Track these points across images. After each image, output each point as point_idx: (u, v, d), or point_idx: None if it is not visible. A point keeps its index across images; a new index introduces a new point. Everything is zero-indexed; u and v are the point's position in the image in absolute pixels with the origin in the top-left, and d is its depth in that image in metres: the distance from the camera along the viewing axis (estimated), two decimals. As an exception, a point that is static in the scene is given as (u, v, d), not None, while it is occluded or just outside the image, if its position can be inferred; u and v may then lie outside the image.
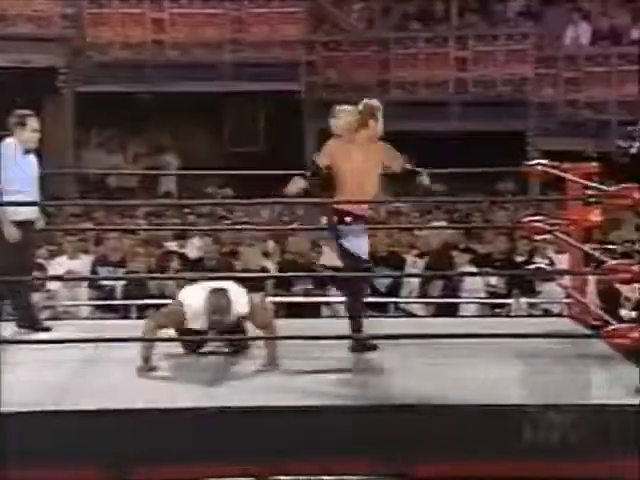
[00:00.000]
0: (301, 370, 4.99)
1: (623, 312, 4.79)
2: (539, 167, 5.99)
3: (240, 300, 5.13)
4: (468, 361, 5.13)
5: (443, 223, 9.16)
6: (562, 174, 5.85)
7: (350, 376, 5.02)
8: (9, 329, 5.66)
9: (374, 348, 5.23)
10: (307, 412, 4.42)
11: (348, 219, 5.26)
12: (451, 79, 13.53)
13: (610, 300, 5.16)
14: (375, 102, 5.42)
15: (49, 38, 13.03)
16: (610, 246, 6.64)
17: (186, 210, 10.27)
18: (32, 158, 5.82)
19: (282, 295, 7.77)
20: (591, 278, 6.25)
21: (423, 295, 7.98)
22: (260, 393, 4.69)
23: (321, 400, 4.55)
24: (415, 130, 13.01)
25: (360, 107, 5.39)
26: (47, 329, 5.83)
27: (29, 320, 5.80)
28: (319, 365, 5.04)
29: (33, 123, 5.77)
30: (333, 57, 13.69)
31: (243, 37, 13.48)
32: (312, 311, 7.63)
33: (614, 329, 4.74)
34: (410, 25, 14.06)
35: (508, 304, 7.84)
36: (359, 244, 5.30)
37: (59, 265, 8.18)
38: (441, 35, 13.64)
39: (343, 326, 5.37)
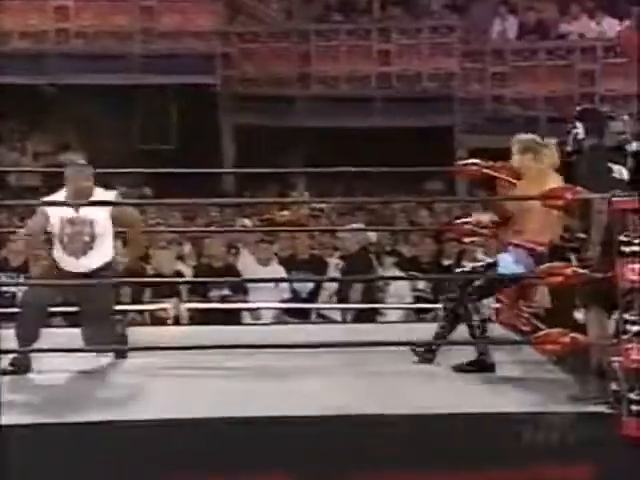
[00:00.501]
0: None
1: (579, 315, 4.89)
2: (473, 167, 6.04)
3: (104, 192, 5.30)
4: (387, 369, 5.18)
5: (361, 225, 9.22)
6: (493, 173, 5.94)
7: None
8: None
9: None
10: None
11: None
12: (374, 73, 13.63)
13: (566, 300, 5.25)
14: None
15: (-59, 26, 12.75)
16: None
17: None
18: None
19: (198, 301, 7.74)
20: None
21: (342, 300, 8.03)
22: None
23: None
24: (336, 127, 13.10)
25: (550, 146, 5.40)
26: None
27: None
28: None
29: None
30: (250, 49, 13.68)
31: (154, 27, 13.38)
32: (232, 318, 7.61)
33: (545, 335, 4.84)
34: (331, 16, 14.14)
35: (435, 309, 7.93)
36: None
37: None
38: (363, 27, 13.74)
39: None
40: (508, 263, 5.24)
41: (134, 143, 14.01)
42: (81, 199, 5.27)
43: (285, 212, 9.67)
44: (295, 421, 4.39)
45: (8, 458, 4.22)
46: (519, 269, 5.22)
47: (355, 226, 8.69)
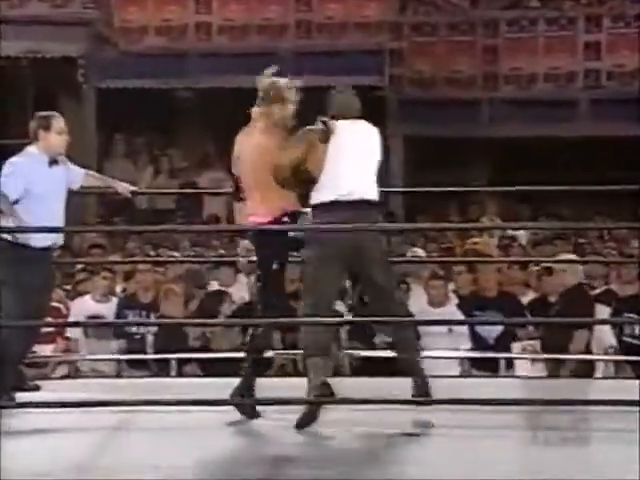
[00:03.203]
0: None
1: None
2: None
3: None
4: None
5: (572, 256, 9.09)
6: None
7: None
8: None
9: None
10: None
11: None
12: (580, 71, 13.50)
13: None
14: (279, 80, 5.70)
15: (66, 21, 13.31)
16: None
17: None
18: (60, 170, 6.18)
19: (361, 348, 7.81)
20: None
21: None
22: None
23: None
24: (532, 136, 13.01)
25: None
26: (36, 388, 6.12)
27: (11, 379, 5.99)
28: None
29: (59, 124, 6.18)
30: (426, 44, 13.78)
31: (311, 19, 13.63)
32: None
33: None
34: (526, 2, 14.08)
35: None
36: None
37: (81, 309, 8.31)
38: (567, 15, 13.64)
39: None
40: None
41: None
42: None
43: (477, 239, 9.64)
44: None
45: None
46: None
47: (567, 257, 8.56)
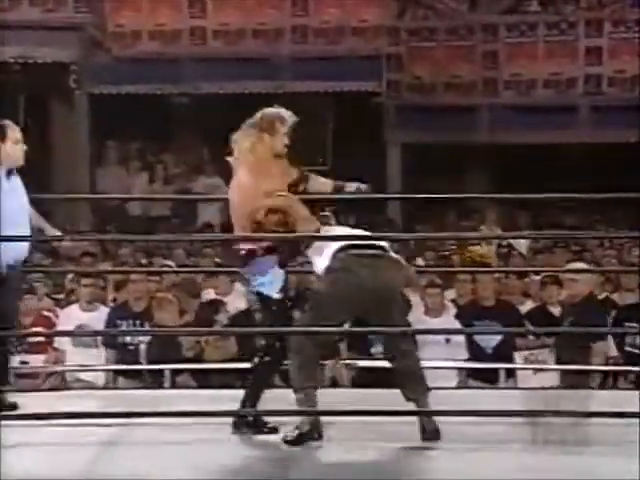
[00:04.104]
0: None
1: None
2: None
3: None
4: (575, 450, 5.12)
5: (582, 265, 9.05)
6: None
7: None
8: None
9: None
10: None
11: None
12: (580, 76, 13.51)
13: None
14: (276, 111, 5.57)
15: (58, 26, 13.32)
16: None
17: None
18: (18, 181, 5.98)
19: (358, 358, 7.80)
20: None
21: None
22: None
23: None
24: (532, 143, 13.02)
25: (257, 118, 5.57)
26: (14, 406, 5.95)
27: None
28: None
29: (14, 134, 5.96)
30: (424, 49, 13.79)
31: (307, 24, 13.64)
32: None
33: None
34: (526, 6, 14.10)
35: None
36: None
37: (69, 318, 8.30)
38: (567, 19, 13.65)
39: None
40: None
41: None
42: None
43: (477, 247, 9.63)
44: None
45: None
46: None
47: (579, 265, 8.55)
